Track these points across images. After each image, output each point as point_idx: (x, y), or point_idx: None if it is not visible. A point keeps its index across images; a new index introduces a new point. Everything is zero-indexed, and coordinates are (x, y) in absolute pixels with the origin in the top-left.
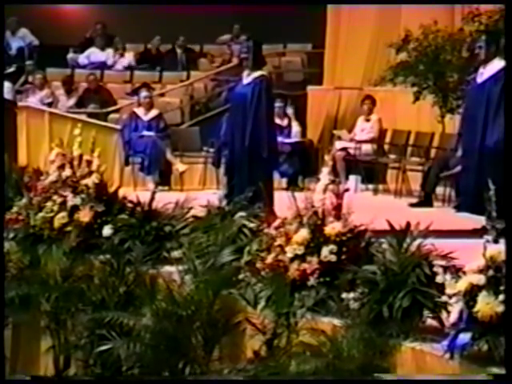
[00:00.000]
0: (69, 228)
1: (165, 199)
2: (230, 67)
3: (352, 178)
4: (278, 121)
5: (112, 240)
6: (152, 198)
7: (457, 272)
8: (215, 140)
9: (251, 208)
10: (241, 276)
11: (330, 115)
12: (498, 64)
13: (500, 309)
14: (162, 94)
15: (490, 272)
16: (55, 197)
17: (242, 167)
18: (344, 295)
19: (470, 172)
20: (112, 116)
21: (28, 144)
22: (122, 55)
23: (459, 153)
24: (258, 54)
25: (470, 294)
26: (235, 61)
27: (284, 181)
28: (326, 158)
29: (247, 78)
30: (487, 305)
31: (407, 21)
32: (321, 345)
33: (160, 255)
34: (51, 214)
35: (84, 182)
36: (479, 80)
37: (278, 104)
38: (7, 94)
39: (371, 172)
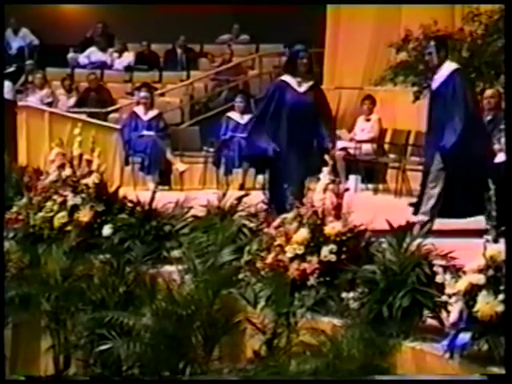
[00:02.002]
0: (69, 227)
1: (165, 199)
2: (230, 67)
3: (352, 177)
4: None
5: (112, 239)
6: (152, 198)
7: (457, 272)
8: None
9: None
10: (241, 276)
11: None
12: (448, 68)
13: (500, 308)
14: (162, 94)
15: (490, 272)
16: (55, 196)
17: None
18: (344, 295)
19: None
20: (112, 115)
21: (28, 144)
22: (120, 55)
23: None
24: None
25: (470, 294)
26: (235, 60)
27: None
28: (326, 157)
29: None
30: (487, 304)
31: (407, 21)
32: (321, 344)
33: (160, 255)
34: (51, 214)
35: (84, 181)
36: (434, 85)
37: None
38: (7, 93)
39: (371, 172)
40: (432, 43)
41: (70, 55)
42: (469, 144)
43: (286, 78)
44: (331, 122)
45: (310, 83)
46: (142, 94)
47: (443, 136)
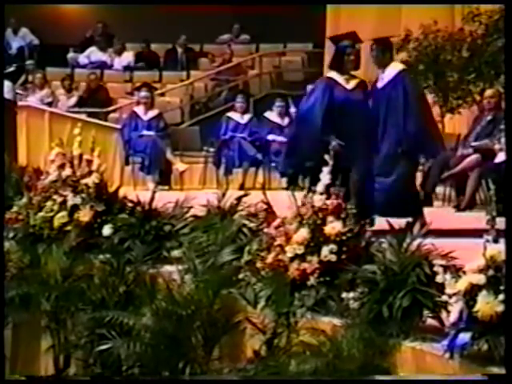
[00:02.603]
0: (69, 227)
1: (165, 199)
2: (230, 67)
3: None
4: (278, 120)
5: (112, 239)
6: (152, 198)
7: (457, 272)
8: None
9: None
10: (241, 275)
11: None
12: (394, 69)
13: (500, 308)
14: (162, 94)
15: (490, 272)
16: (55, 196)
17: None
18: (344, 295)
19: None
20: (112, 115)
21: (28, 144)
22: (119, 54)
23: (459, 152)
24: None
25: (470, 294)
26: (235, 60)
27: (284, 180)
28: (326, 157)
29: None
30: (487, 304)
31: (407, 21)
32: (321, 344)
33: (160, 255)
34: (51, 214)
35: (84, 181)
36: (380, 85)
37: (279, 103)
38: (7, 93)
39: None
40: (374, 46)
41: (70, 55)
42: (408, 145)
43: (333, 74)
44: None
45: (357, 80)
46: (142, 93)
47: (384, 136)
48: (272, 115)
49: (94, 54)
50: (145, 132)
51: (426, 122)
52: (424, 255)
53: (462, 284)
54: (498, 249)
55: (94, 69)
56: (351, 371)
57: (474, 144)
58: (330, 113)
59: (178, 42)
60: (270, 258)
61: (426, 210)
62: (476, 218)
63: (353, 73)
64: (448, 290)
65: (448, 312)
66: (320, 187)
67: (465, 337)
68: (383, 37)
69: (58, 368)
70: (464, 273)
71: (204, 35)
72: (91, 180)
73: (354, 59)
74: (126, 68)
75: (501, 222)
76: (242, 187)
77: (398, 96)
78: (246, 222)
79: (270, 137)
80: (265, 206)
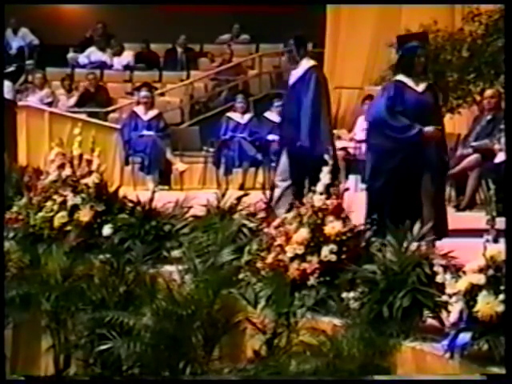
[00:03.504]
0: (69, 227)
1: (165, 199)
2: (230, 67)
3: (352, 177)
4: (278, 120)
5: (112, 239)
6: (152, 198)
7: (457, 271)
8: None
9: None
10: (241, 275)
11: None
12: (305, 65)
13: (500, 308)
14: (162, 94)
15: (490, 272)
16: (55, 196)
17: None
18: (344, 295)
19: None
20: (112, 115)
21: (28, 144)
22: (118, 54)
23: (459, 152)
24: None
25: (470, 294)
26: (235, 60)
27: None
28: (326, 157)
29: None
30: (487, 304)
31: (407, 21)
32: (321, 344)
33: (160, 255)
34: (51, 214)
35: (84, 181)
36: (291, 81)
37: (278, 103)
38: (7, 93)
39: None
40: (291, 41)
41: (70, 55)
42: (314, 140)
43: (401, 77)
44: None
45: (427, 83)
46: (143, 93)
47: (293, 131)
48: (272, 115)
49: (93, 54)
50: (145, 132)
51: (316, 121)
52: (424, 255)
53: (462, 284)
54: (498, 249)
55: (93, 69)
56: (351, 371)
57: (473, 144)
58: (403, 116)
59: (177, 41)
60: (269, 258)
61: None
62: (476, 218)
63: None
64: (448, 290)
65: (448, 312)
66: (320, 187)
67: (465, 337)
68: (299, 33)
69: (58, 368)
70: (464, 273)
71: (204, 35)
72: (91, 180)
73: (424, 61)
74: (126, 68)
75: (501, 222)
76: (241, 187)
77: (305, 93)
78: (246, 222)
79: (270, 137)
80: (264, 206)
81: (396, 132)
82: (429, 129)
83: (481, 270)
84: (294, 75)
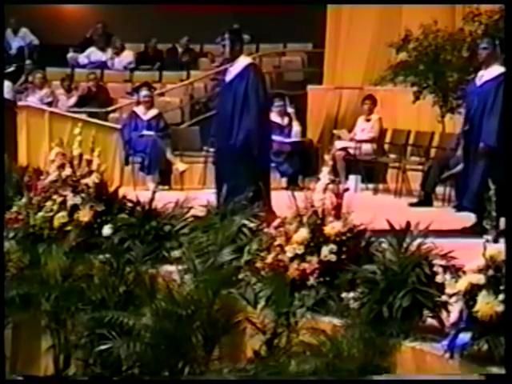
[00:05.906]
0: (69, 227)
1: (165, 199)
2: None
3: (352, 177)
4: (278, 120)
5: (112, 239)
6: (152, 198)
7: (457, 272)
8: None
9: (250, 208)
10: (241, 275)
11: (330, 115)
12: (243, 62)
13: (500, 308)
14: (162, 94)
15: (490, 272)
16: (55, 196)
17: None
18: (344, 295)
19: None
20: (112, 115)
21: (28, 144)
22: (118, 54)
23: (459, 152)
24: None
25: (470, 294)
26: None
27: (284, 180)
28: (326, 157)
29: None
30: (487, 304)
31: (407, 21)
32: (321, 344)
33: (160, 255)
34: (51, 214)
35: (84, 181)
36: (228, 78)
37: (278, 103)
38: (7, 93)
39: (371, 172)
40: (226, 35)
41: (70, 55)
42: (258, 136)
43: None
44: None
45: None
46: (143, 93)
47: (233, 129)
48: (272, 115)
49: (93, 54)
50: (145, 132)
51: (254, 118)
52: (424, 255)
53: (462, 284)
54: (498, 249)
55: (93, 69)
56: (351, 371)
57: None
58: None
59: (180, 42)
60: (269, 258)
61: (426, 210)
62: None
63: None
64: (448, 290)
65: (448, 312)
66: (320, 187)
67: (465, 337)
68: (235, 28)
69: (58, 368)
70: (464, 273)
71: (204, 35)
72: (91, 180)
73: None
74: (126, 67)
75: (501, 222)
76: None
77: (242, 90)
78: (246, 222)
79: None
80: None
81: None
82: None
83: (481, 270)
84: (232, 72)
